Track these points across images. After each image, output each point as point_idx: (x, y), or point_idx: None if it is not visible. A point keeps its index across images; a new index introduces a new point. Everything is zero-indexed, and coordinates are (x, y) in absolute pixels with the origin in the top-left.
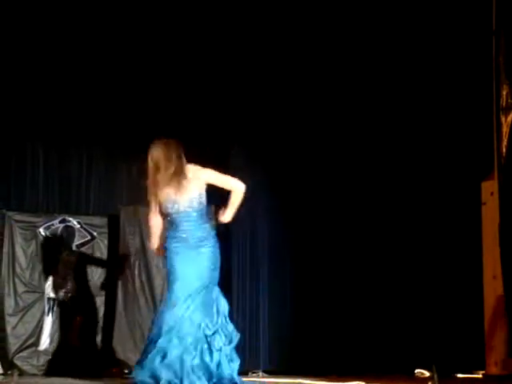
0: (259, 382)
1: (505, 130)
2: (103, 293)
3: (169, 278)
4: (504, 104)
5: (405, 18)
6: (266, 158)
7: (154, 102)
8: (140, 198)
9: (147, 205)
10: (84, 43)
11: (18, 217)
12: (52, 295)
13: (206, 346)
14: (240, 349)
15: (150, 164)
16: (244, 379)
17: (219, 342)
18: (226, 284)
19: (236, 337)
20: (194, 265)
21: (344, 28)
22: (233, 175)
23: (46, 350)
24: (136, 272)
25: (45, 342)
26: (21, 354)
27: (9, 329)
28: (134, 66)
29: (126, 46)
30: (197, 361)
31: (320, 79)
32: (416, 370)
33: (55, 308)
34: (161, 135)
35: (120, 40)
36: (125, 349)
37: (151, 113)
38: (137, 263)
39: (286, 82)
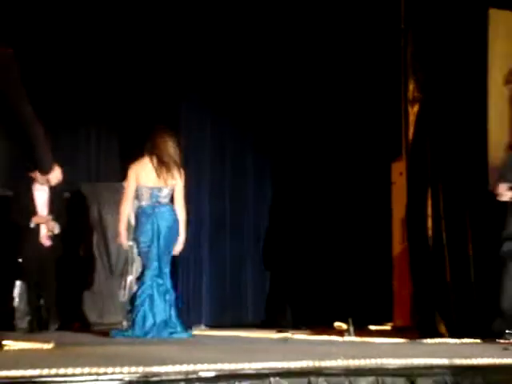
0: (200, 334)
1: (411, 118)
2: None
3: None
4: (411, 96)
5: (321, 17)
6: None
7: (107, 73)
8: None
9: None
10: None
11: None
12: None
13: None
14: (185, 305)
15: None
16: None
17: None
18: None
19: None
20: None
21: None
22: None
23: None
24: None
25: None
26: None
27: None
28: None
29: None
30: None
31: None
32: (335, 323)
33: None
34: (117, 104)
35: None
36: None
37: (107, 82)
38: (95, 233)
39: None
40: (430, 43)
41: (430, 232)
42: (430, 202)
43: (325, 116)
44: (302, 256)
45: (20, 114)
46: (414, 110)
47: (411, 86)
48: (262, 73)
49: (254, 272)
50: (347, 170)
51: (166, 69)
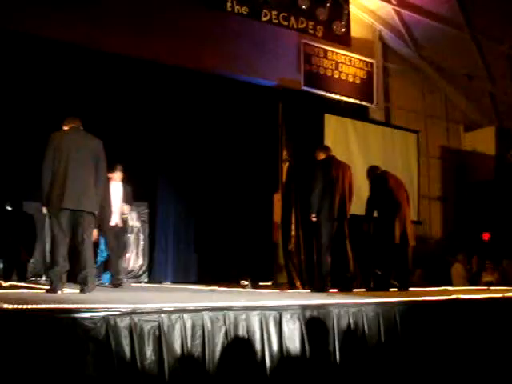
0: (166, 287)
1: (284, 170)
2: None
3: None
4: (283, 158)
5: (237, 124)
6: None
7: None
8: None
9: None
10: None
11: None
12: None
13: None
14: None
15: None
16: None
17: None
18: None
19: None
20: None
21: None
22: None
23: None
24: None
25: None
26: None
27: None
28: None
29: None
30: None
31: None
32: (241, 281)
33: None
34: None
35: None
36: None
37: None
38: None
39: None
40: (294, 131)
41: (293, 232)
42: (293, 216)
43: (240, 172)
44: (222, 244)
45: (102, 167)
46: (285, 166)
47: (284, 153)
48: (201, 166)
49: (197, 250)
50: (251, 198)
51: (150, 160)
